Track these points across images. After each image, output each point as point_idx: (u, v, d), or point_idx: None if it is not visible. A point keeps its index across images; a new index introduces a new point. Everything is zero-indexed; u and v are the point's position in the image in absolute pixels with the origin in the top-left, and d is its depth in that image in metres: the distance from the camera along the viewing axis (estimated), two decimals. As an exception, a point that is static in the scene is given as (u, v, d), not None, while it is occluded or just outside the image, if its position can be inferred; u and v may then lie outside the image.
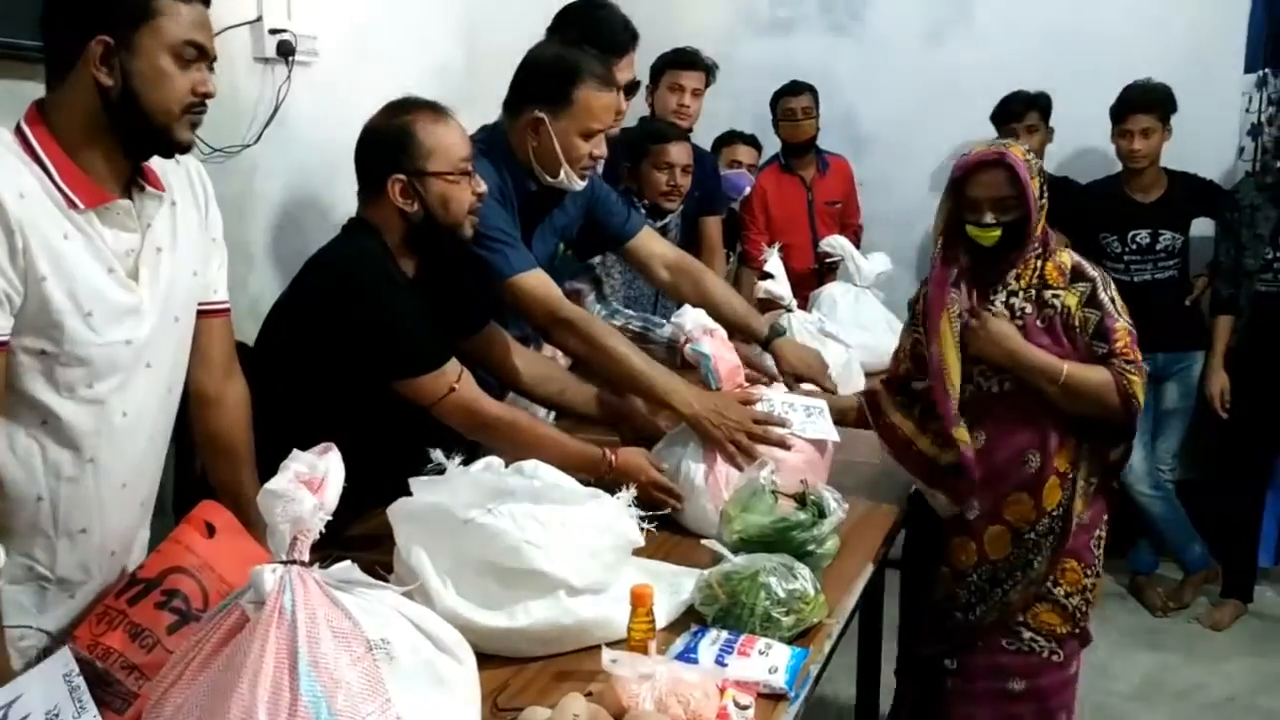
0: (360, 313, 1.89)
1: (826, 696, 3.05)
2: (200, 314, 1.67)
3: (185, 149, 1.52)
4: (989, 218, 2.16)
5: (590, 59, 2.28)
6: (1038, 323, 2.19)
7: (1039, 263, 2.21)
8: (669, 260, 2.62)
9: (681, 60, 3.67)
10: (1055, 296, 2.19)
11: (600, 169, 2.91)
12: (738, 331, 2.46)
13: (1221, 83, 3.98)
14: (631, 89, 2.74)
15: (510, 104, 2.32)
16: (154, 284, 1.52)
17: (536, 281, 2.23)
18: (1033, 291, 2.21)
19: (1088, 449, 2.24)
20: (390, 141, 1.97)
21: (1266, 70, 3.94)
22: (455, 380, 1.94)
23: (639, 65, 3.68)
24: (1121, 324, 2.18)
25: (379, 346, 1.90)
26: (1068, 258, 2.24)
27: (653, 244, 2.64)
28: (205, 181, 1.67)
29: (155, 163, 1.55)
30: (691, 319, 2.17)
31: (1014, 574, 2.27)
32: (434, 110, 2.01)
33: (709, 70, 3.71)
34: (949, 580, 2.36)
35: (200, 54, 1.47)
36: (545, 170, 2.28)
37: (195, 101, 1.47)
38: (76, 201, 1.42)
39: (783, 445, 2.07)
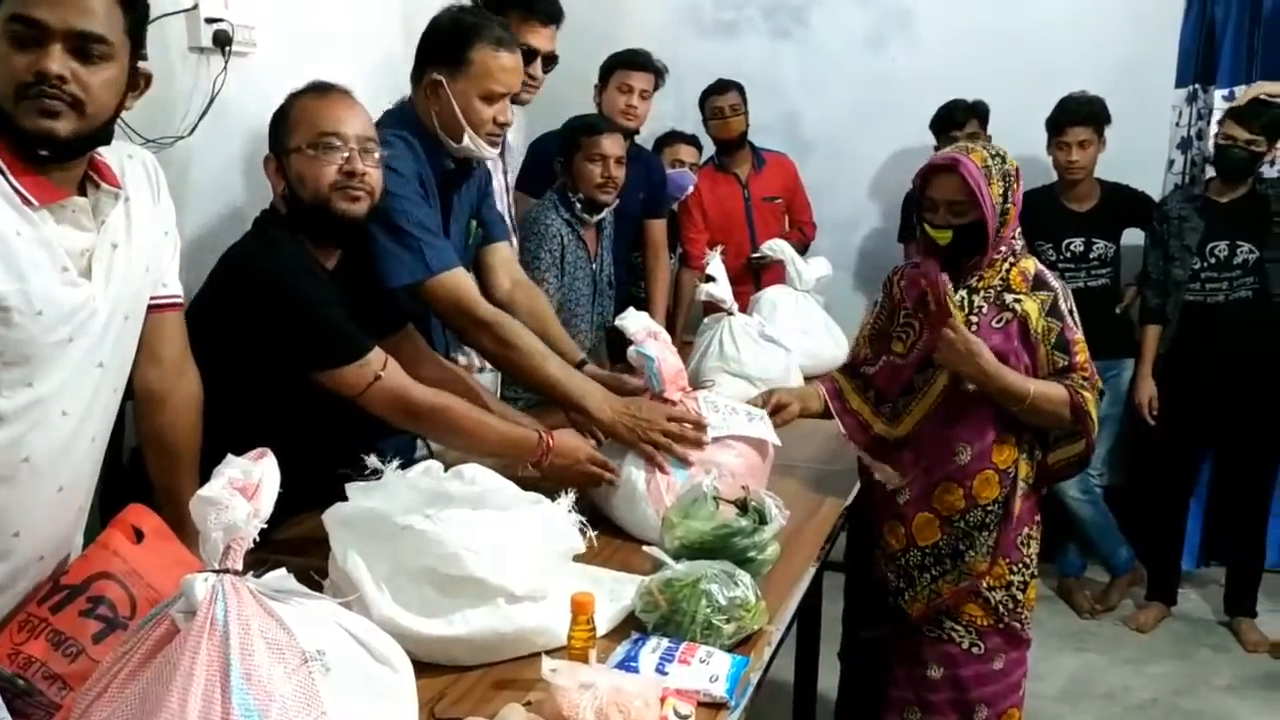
0: (274, 305, 1.85)
1: (766, 696, 3.05)
2: (150, 308, 1.62)
3: (42, 138, 1.35)
4: (941, 219, 2.20)
5: (489, 22, 2.26)
6: (993, 323, 2.23)
7: (1005, 266, 2.25)
8: (515, 276, 2.58)
9: (632, 61, 3.66)
10: (1016, 301, 2.23)
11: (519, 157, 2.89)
12: None
13: (1153, 96, 4.08)
14: (549, 60, 2.73)
15: (413, 72, 2.30)
16: (107, 283, 1.47)
17: (453, 282, 2.19)
18: (992, 293, 2.24)
19: (1029, 450, 2.28)
20: (272, 125, 1.98)
21: (1196, 85, 4.05)
22: (380, 368, 1.90)
23: (586, 65, 3.69)
24: (1080, 336, 2.24)
25: (296, 339, 1.86)
26: (1031, 265, 2.28)
27: (508, 253, 2.61)
28: (159, 172, 1.62)
29: (110, 158, 1.50)
30: (635, 321, 2.16)
31: (942, 561, 2.30)
32: (316, 88, 1.98)
33: (659, 73, 3.70)
34: (880, 563, 2.40)
35: (36, 29, 1.31)
36: (449, 136, 2.25)
37: (29, 83, 1.32)
38: (30, 199, 1.36)
39: (698, 445, 2.06)
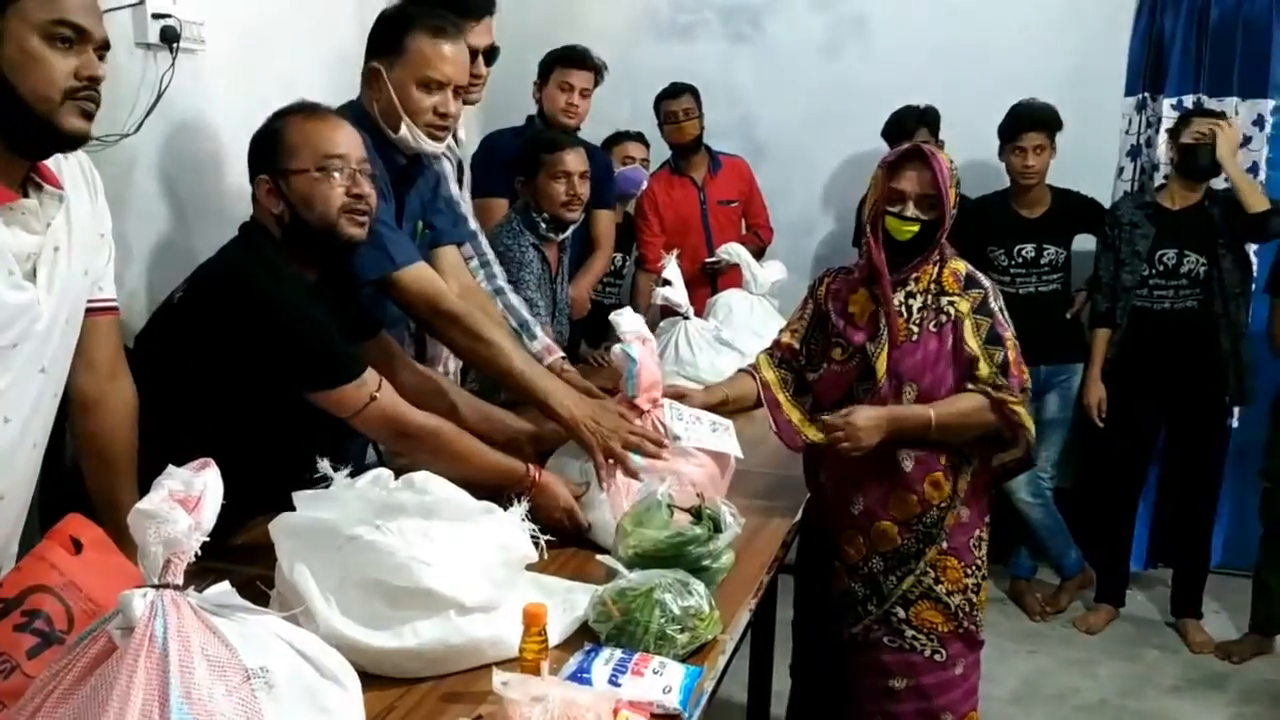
0: (274, 326, 1.82)
1: (718, 703, 3.05)
2: (86, 312, 1.60)
3: (77, 140, 1.43)
4: (910, 211, 2.19)
5: (428, 12, 2.24)
6: (931, 326, 2.25)
7: (936, 269, 2.27)
8: (464, 281, 2.54)
9: (571, 59, 3.64)
10: (950, 304, 2.25)
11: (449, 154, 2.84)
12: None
13: (1103, 105, 4.12)
14: (490, 54, 2.69)
15: (363, 68, 2.28)
16: (50, 285, 1.45)
17: (419, 275, 2.17)
18: (929, 296, 2.26)
19: (969, 449, 2.29)
20: (260, 145, 1.94)
21: (1145, 94, 4.10)
22: (376, 389, 1.88)
23: (532, 64, 3.67)
24: (1010, 333, 2.26)
25: (296, 359, 1.83)
26: (961, 266, 2.31)
27: (457, 258, 2.57)
28: (94, 174, 1.60)
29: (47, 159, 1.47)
30: (629, 322, 2.14)
31: (906, 562, 2.32)
32: (310, 110, 1.96)
33: (598, 70, 3.68)
34: (842, 574, 2.40)
35: (80, 35, 1.40)
36: (389, 127, 2.21)
37: (79, 86, 1.40)
38: None
39: (655, 458, 2.05)
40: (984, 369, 2.22)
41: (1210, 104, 3.90)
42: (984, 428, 2.24)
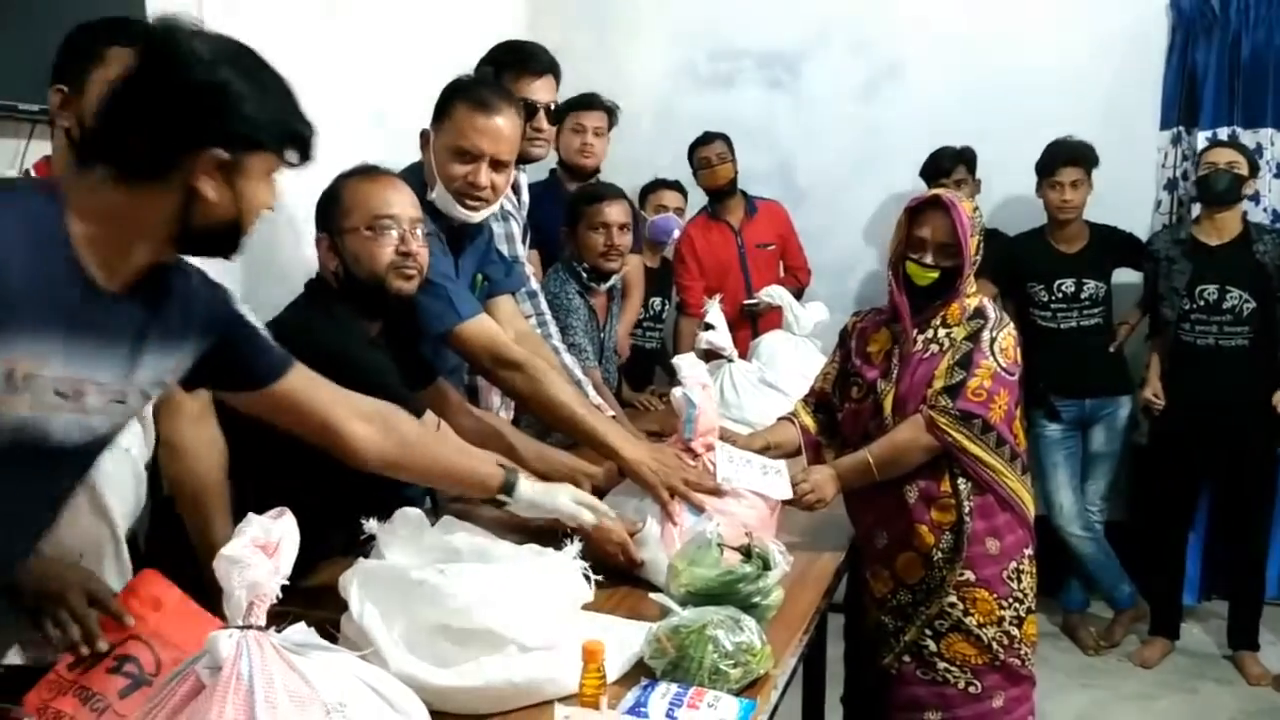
0: (332, 372, 1.89)
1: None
2: None
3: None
4: (929, 259, 2.26)
5: (484, 85, 2.33)
6: (923, 355, 2.31)
7: (942, 306, 2.34)
8: (519, 328, 2.60)
9: (581, 102, 3.74)
10: (948, 334, 2.32)
11: (516, 213, 2.93)
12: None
13: (1138, 139, 4.16)
14: (556, 113, 2.80)
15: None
16: None
17: (481, 327, 2.26)
18: (931, 331, 2.33)
19: (957, 466, 2.31)
20: (321, 205, 2.07)
21: (1180, 128, 4.13)
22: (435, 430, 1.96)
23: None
24: (989, 363, 2.26)
25: None
26: (974, 301, 2.35)
27: (512, 306, 2.65)
28: None
29: None
30: (691, 367, 2.19)
31: (934, 593, 2.34)
32: (366, 172, 2.08)
33: (609, 111, 3.78)
34: (871, 608, 2.43)
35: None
36: (430, 188, 2.29)
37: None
38: None
39: (715, 494, 2.10)
40: (934, 387, 2.26)
41: (1245, 136, 3.94)
42: (926, 450, 2.27)
